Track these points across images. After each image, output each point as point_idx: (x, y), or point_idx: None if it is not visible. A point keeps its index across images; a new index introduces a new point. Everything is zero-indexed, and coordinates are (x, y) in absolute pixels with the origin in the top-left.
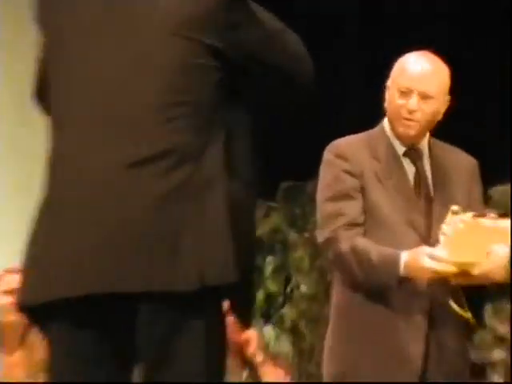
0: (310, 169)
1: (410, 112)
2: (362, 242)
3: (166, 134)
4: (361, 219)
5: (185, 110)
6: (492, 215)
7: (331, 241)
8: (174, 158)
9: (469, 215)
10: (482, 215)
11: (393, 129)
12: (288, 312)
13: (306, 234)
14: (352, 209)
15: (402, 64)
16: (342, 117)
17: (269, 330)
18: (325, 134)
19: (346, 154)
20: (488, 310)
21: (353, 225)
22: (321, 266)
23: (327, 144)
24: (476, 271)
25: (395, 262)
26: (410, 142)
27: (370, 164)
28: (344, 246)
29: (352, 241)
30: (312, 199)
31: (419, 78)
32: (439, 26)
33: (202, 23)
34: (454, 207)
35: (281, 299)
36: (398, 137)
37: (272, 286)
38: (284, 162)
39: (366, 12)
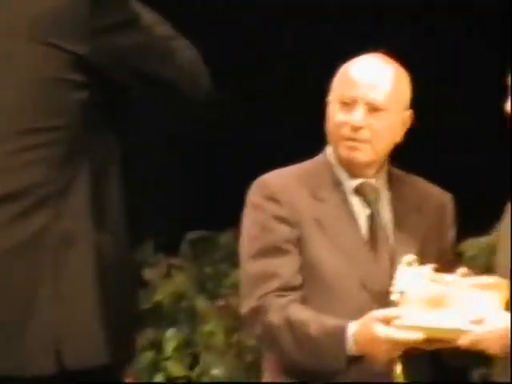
0: (224, 215)
1: (355, 129)
2: (299, 312)
3: (17, 169)
4: (297, 281)
5: (42, 139)
6: (462, 271)
7: (258, 311)
8: (25, 201)
9: (428, 268)
10: (449, 270)
11: (337, 155)
12: None
13: (220, 302)
14: (285, 268)
15: (346, 69)
16: (269, 145)
17: None
18: (247, 168)
19: (277, 194)
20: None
21: (286, 289)
22: (238, 343)
23: (250, 182)
24: (461, 341)
25: (341, 335)
26: (359, 173)
27: (309, 207)
28: (275, 317)
29: (285, 311)
30: (228, 255)
31: (365, 84)
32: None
33: (61, 23)
34: (408, 257)
35: None
36: (343, 165)
37: (174, 369)
38: (191, 207)
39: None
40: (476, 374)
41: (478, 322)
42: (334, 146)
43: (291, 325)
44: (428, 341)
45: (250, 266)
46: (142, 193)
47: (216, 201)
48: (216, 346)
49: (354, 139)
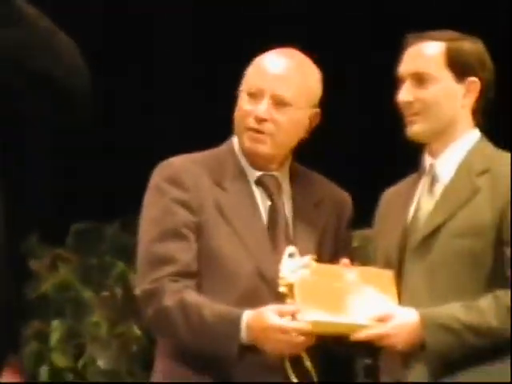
0: (111, 205)
1: (259, 121)
2: (193, 297)
3: None
4: (193, 267)
5: None
6: (344, 261)
7: (153, 293)
8: None
9: (307, 259)
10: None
11: (241, 145)
12: None
13: (105, 293)
14: (183, 253)
15: (259, 61)
16: (167, 130)
17: None
18: (139, 156)
19: (181, 178)
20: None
21: (184, 274)
22: (123, 333)
23: (144, 171)
24: (361, 336)
25: (236, 321)
26: (262, 165)
27: (212, 194)
28: (169, 300)
29: (180, 295)
30: (113, 246)
31: (273, 77)
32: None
33: None
34: (291, 248)
35: (71, 377)
36: (247, 155)
37: (59, 360)
38: (76, 196)
39: None
40: (360, 364)
41: (386, 318)
42: (238, 136)
43: (185, 308)
44: (326, 334)
45: (147, 249)
46: (27, 183)
47: (105, 190)
48: (101, 336)
49: (257, 131)
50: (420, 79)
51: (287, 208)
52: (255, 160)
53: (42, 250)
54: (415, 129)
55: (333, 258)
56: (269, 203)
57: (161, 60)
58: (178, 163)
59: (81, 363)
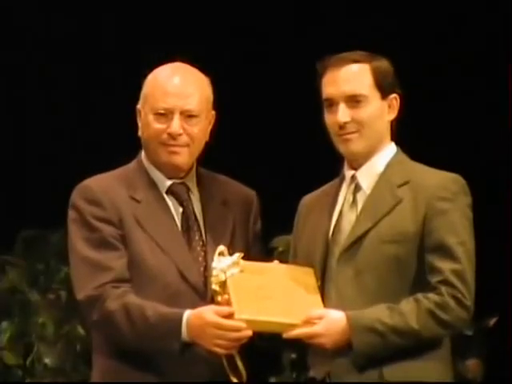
0: (55, 214)
1: (174, 136)
2: (135, 299)
3: None
4: (127, 274)
5: None
6: (275, 262)
7: (96, 299)
8: None
9: (236, 256)
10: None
11: (154, 160)
12: None
13: (51, 295)
14: (117, 262)
15: (155, 81)
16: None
17: None
18: (79, 169)
19: (98, 198)
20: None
21: (120, 281)
22: (68, 333)
23: (80, 182)
24: (293, 334)
25: (176, 321)
26: (174, 174)
27: (128, 207)
28: (113, 304)
29: (123, 298)
30: (58, 252)
31: (178, 96)
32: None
33: None
34: (220, 247)
35: (20, 373)
36: (162, 168)
37: (9, 358)
38: (24, 205)
39: None
40: (286, 358)
41: (317, 318)
42: (152, 152)
43: (128, 309)
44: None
45: (82, 259)
46: None
47: (49, 200)
48: (47, 336)
49: (173, 145)
50: (355, 100)
51: (197, 210)
52: (170, 171)
53: None
54: (354, 147)
55: (246, 252)
56: (181, 209)
57: None
58: (94, 183)
59: (29, 361)
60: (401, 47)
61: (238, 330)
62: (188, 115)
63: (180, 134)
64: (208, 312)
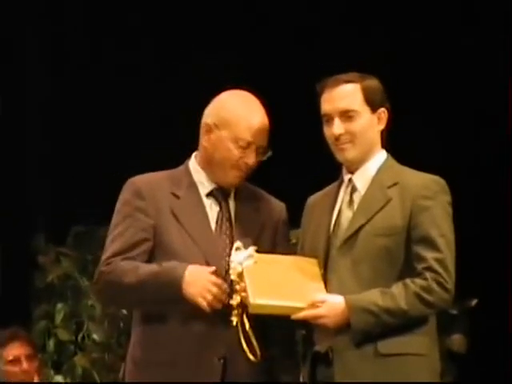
0: (102, 213)
1: (249, 167)
2: (145, 262)
3: None
4: (142, 258)
5: None
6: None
7: (103, 272)
8: None
9: (250, 250)
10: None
11: (217, 176)
12: (80, 360)
13: None
14: (140, 254)
15: (240, 111)
16: (138, 155)
17: (60, 379)
18: (121, 175)
19: (142, 191)
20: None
21: (126, 258)
22: (113, 313)
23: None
24: (300, 316)
25: (180, 268)
26: (230, 188)
27: (167, 200)
28: (124, 265)
29: (134, 263)
30: (104, 245)
31: (261, 131)
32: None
33: None
34: (238, 243)
35: (72, 347)
36: (218, 183)
37: (63, 334)
38: (75, 205)
39: None
40: (299, 334)
41: (320, 302)
42: (220, 170)
43: (137, 267)
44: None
45: (109, 244)
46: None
47: (97, 201)
48: (96, 316)
49: (243, 172)
50: (348, 115)
51: (232, 212)
52: (224, 186)
53: (48, 248)
54: (348, 155)
55: (272, 250)
56: (217, 208)
57: None
58: (140, 179)
59: (80, 337)
60: (402, 53)
61: (224, 291)
62: (263, 150)
63: (253, 165)
64: (207, 270)
